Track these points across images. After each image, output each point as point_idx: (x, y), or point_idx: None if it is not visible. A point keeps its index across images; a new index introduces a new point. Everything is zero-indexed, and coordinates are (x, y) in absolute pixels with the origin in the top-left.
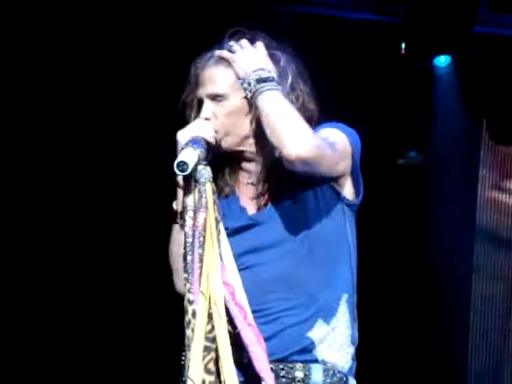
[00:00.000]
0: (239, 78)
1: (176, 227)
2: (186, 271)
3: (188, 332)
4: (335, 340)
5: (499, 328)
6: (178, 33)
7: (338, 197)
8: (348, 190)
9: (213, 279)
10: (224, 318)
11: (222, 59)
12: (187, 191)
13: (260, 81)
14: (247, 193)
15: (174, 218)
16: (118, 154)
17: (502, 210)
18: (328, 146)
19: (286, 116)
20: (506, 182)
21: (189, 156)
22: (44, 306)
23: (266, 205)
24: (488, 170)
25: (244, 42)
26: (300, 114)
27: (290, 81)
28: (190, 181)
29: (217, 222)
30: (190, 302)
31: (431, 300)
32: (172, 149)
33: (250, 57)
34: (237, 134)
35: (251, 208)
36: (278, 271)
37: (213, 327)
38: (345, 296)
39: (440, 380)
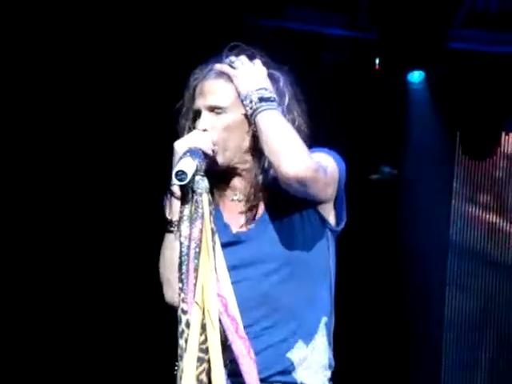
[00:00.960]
0: (240, 94)
1: (169, 236)
2: (180, 281)
3: (181, 342)
4: (313, 363)
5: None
6: (154, 43)
7: (323, 222)
8: (332, 216)
9: (207, 290)
10: (218, 330)
11: (223, 73)
12: (183, 201)
13: (262, 100)
14: (231, 209)
15: (167, 226)
16: (112, 161)
17: (474, 223)
18: (322, 170)
19: (285, 135)
20: (479, 195)
21: (187, 166)
22: (34, 316)
23: (250, 223)
24: (461, 184)
25: (244, 58)
26: None
27: (286, 102)
28: (187, 191)
29: (212, 233)
30: (184, 312)
31: (405, 313)
32: (166, 158)
33: (251, 74)
34: (233, 149)
35: (235, 225)
36: (260, 290)
37: (206, 338)
38: (324, 319)
39: None
